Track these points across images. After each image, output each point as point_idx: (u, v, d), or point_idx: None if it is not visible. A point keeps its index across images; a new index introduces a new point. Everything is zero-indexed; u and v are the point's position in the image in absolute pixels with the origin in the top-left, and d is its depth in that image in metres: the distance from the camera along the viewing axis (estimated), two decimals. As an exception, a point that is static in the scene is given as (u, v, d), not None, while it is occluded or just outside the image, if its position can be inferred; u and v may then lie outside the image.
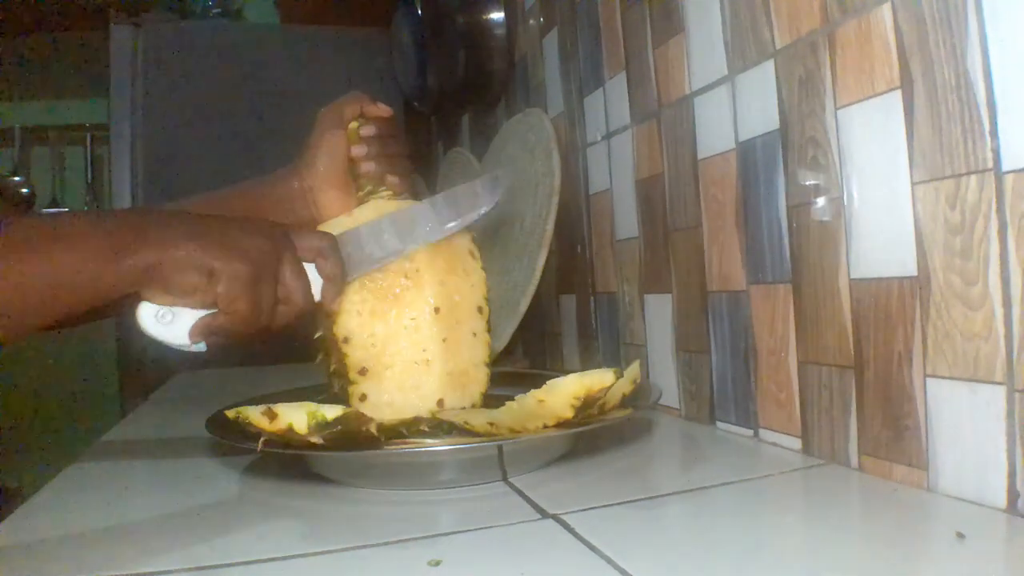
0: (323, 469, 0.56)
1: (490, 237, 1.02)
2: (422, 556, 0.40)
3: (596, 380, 0.52)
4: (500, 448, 0.52)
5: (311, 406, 0.50)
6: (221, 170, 0.70)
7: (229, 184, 0.69)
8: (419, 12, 1.25)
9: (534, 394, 0.54)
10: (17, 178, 2.31)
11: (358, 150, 0.66)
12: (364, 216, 0.62)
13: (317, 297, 0.55)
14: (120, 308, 0.49)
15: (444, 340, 0.60)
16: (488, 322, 0.63)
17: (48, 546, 0.46)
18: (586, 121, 0.91)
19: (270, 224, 0.54)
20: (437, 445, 0.56)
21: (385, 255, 0.59)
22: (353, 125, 0.68)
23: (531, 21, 1.08)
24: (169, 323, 0.49)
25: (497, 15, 1.16)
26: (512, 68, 1.16)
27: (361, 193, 0.67)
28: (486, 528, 0.45)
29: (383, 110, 0.68)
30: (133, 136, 1.63)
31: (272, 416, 0.50)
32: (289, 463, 0.59)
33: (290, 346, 0.71)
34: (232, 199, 0.66)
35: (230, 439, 0.54)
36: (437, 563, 0.39)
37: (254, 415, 0.51)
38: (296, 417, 0.50)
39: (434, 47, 1.24)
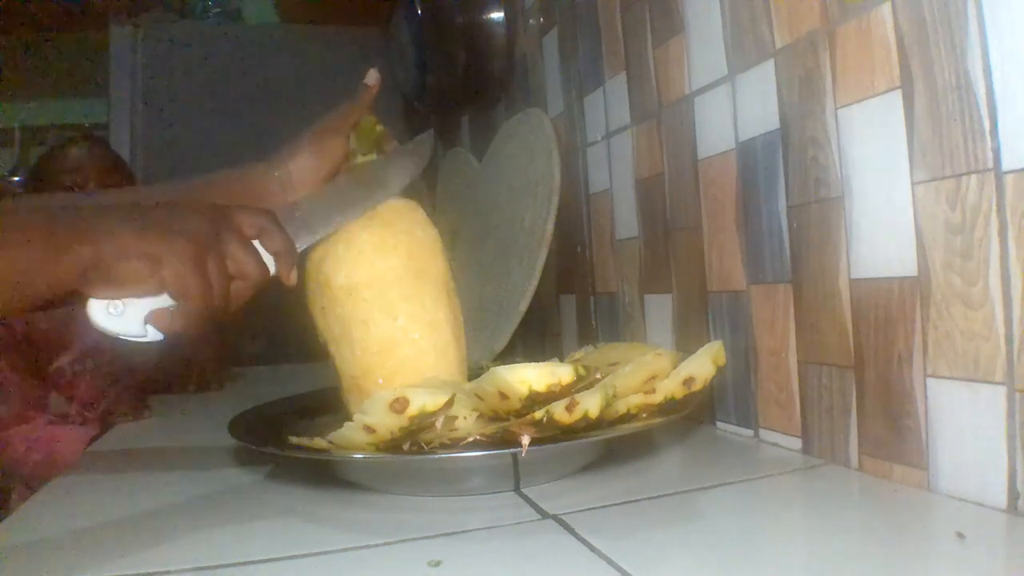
0: (346, 474, 0.55)
1: (490, 237, 1.01)
2: (422, 557, 0.40)
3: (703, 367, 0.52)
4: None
5: (607, 388, 0.48)
6: (219, 168, 0.69)
7: None
8: (418, 11, 1.25)
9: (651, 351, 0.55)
10: (16, 178, 2.30)
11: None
12: None
13: (272, 272, 0.54)
14: (70, 303, 0.48)
15: None
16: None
17: (46, 546, 0.46)
18: (586, 121, 0.91)
19: (207, 204, 0.53)
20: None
21: (331, 224, 0.60)
22: (367, 121, 0.68)
23: (531, 21, 1.08)
24: (120, 315, 0.47)
25: (497, 15, 1.16)
26: (512, 68, 1.16)
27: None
28: (486, 528, 0.45)
29: (371, 86, 0.70)
30: (132, 135, 1.63)
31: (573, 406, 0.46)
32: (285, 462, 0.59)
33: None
34: (205, 187, 0.65)
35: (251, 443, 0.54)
36: (437, 564, 0.39)
37: (557, 410, 0.46)
38: (591, 402, 0.46)
39: (433, 46, 1.23)
